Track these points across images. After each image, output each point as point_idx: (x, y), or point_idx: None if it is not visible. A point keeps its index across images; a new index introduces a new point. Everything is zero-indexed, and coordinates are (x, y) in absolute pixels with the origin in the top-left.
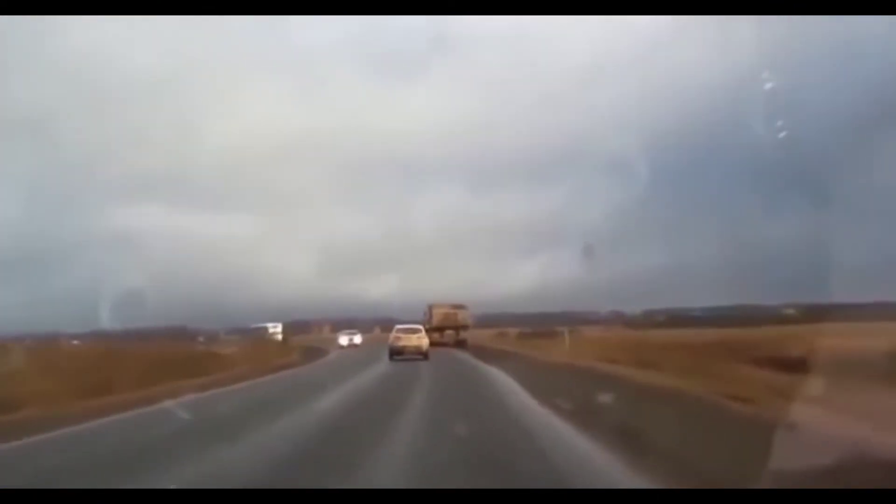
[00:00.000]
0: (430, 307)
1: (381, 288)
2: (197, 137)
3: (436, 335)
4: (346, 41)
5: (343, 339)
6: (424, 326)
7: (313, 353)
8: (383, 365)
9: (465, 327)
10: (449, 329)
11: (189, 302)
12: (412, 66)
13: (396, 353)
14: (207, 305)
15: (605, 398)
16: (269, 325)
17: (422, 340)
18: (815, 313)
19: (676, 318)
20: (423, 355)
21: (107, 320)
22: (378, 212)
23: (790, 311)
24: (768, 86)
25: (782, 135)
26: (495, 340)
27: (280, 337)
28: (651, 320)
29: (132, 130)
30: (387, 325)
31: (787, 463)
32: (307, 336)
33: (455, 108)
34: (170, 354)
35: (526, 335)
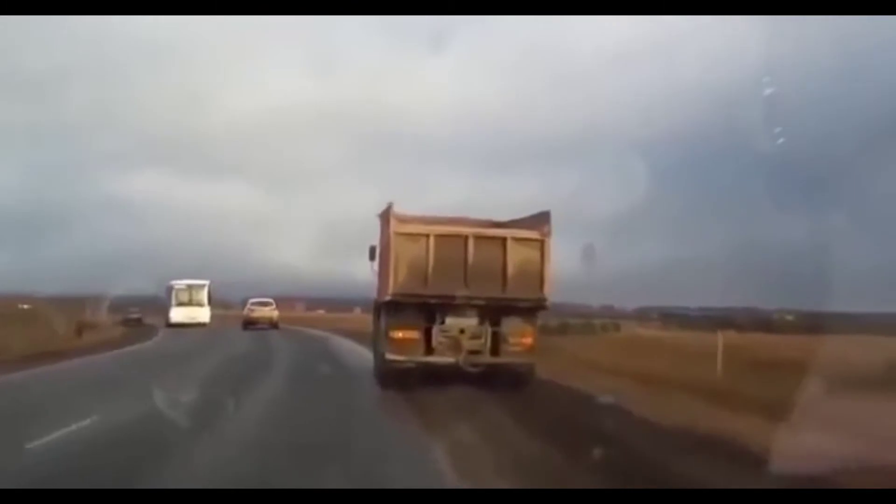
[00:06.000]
0: (391, 220)
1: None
2: (206, 107)
3: (409, 349)
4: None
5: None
6: (375, 311)
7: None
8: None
9: (534, 307)
10: (466, 316)
11: (174, 272)
12: (430, 42)
13: (249, 324)
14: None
15: None
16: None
17: (273, 313)
18: (814, 320)
19: (672, 318)
20: (273, 326)
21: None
22: (384, 188)
23: (789, 318)
24: (772, 90)
25: (784, 140)
26: None
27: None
28: (648, 318)
29: (140, 98)
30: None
31: None
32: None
33: (469, 89)
34: None
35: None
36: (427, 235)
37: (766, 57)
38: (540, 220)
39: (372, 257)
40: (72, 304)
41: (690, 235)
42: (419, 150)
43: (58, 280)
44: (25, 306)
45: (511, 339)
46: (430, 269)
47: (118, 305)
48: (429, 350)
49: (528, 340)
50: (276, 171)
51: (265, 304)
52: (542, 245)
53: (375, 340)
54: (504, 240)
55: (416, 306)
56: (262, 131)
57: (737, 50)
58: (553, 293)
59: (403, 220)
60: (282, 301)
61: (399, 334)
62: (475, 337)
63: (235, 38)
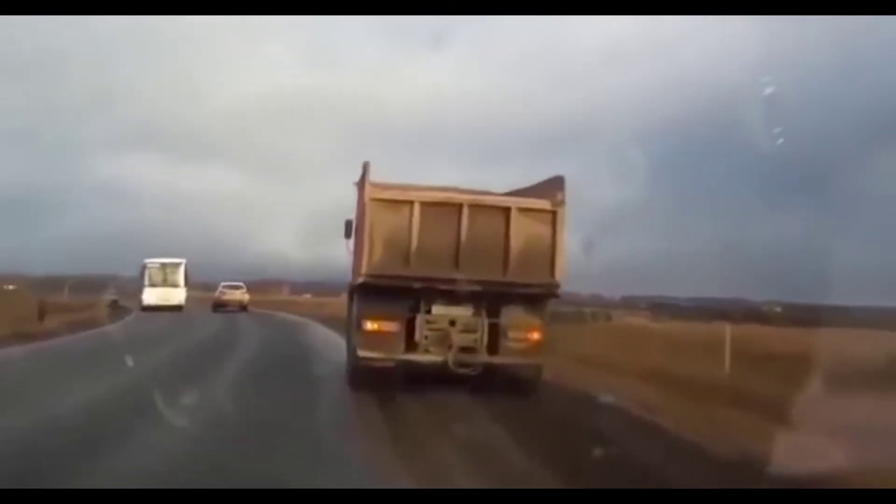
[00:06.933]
0: (366, 185)
1: None
2: (205, 97)
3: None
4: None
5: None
6: (349, 297)
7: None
8: None
9: (543, 294)
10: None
11: (165, 254)
12: (430, 41)
13: (220, 306)
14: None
15: None
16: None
17: (243, 296)
18: (805, 313)
19: (662, 308)
20: (242, 308)
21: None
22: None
23: (777, 309)
24: (769, 89)
25: (781, 139)
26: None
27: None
28: (637, 307)
29: (133, 81)
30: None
31: None
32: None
33: (468, 88)
34: None
35: None
36: (411, 203)
37: (766, 57)
38: (552, 187)
39: (348, 234)
40: (58, 286)
41: (682, 227)
42: (417, 145)
43: (49, 262)
44: (11, 287)
45: (512, 334)
46: (413, 245)
47: (100, 287)
48: (411, 346)
49: (535, 335)
50: (272, 161)
51: (236, 288)
52: (554, 217)
53: (348, 331)
54: (507, 210)
55: (396, 291)
56: (260, 122)
57: (737, 50)
58: (566, 277)
59: (382, 185)
60: (268, 285)
61: (373, 325)
62: (469, 330)
63: (234, 30)
